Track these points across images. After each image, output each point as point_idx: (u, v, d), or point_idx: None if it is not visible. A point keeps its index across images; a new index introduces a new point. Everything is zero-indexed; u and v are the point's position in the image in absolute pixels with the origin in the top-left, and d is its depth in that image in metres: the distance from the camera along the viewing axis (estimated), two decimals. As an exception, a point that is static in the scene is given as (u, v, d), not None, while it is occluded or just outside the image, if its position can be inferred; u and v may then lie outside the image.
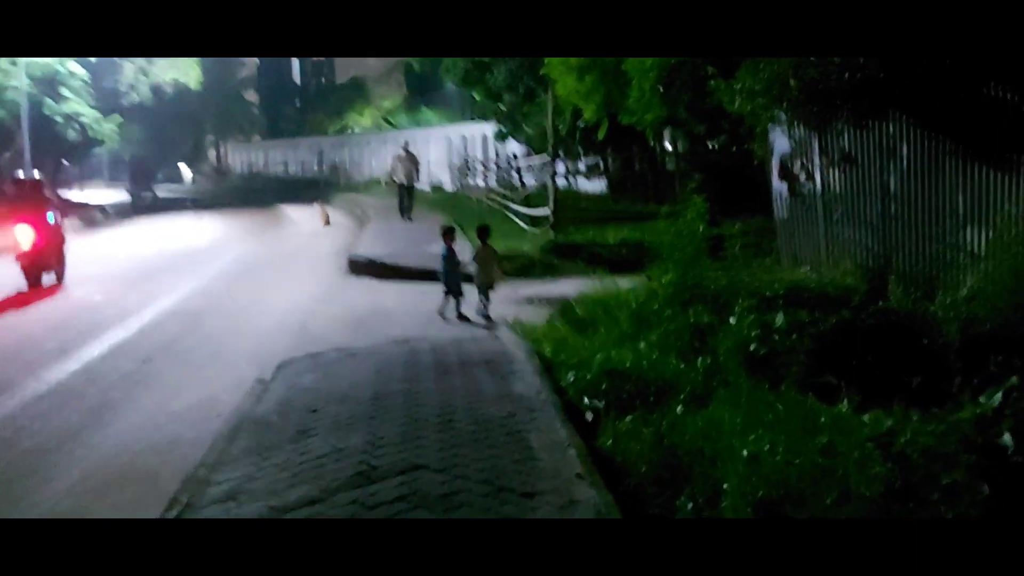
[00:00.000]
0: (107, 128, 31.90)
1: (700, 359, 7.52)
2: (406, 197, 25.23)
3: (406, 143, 26.61)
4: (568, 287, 13.73)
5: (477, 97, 33.36)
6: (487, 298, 11.65)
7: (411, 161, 25.57)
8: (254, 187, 52.90)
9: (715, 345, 7.78)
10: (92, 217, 32.16)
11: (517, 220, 20.01)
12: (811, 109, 9.83)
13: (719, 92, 11.31)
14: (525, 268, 15.30)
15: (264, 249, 22.09)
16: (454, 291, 11.82)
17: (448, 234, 12.35)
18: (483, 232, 12.34)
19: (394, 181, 25.81)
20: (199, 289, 15.33)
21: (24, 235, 15.09)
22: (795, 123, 10.79)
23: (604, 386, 6.94)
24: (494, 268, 11.96)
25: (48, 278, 15.83)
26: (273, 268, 18.13)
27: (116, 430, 7.58)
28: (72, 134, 30.57)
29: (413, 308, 12.55)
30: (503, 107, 28.55)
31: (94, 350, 10.67)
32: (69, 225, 28.34)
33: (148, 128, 64.17)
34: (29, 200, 15.92)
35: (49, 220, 15.88)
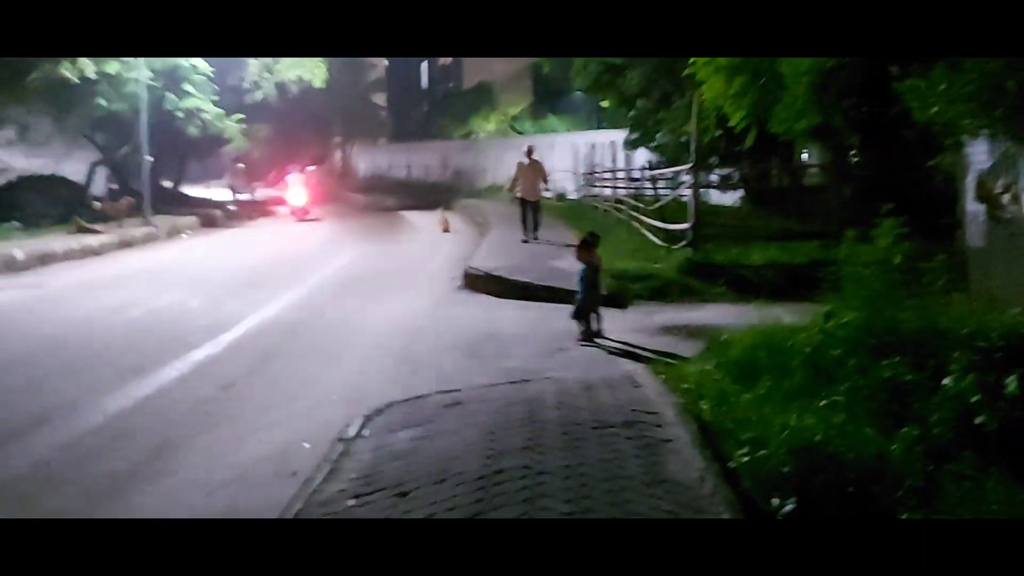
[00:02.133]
0: (229, 125, 31.08)
1: (905, 429, 5.74)
2: (531, 214, 20.51)
3: (530, 148, 21.34)
4: (710, 315, 12.02)
5: (606, 104, 31.78)
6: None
7: (536, 171, 20.84)
8: (376, 190, 52.17)
9: (921, 411, 6.02)
10: (211, 216, 31.49)
11: (648, 235, 18.26)
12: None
13: (909, 96, 9.45)
14: (659, 290, 13.59)
15: (377, 256, 20.81)
16: (592, 311, 10.51)
17: (588, 245, 10.81)
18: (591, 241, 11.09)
19: (516, 195, 21.09)
20: (301, 299, 14.02)
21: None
22: (1004, 134, 8.85)
23: (788, 468, 5.19)
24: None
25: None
26: (383, 278, 16.76)
27: (158, 490, 6.06)
28: (193, 130, 29.84)
29: (533, 333, 10.97)
30: (635, 113, 26.86)
31: (173, 370, 9.36)
32: (184, 224, 27.88)
33: (275, 128, 64.46)
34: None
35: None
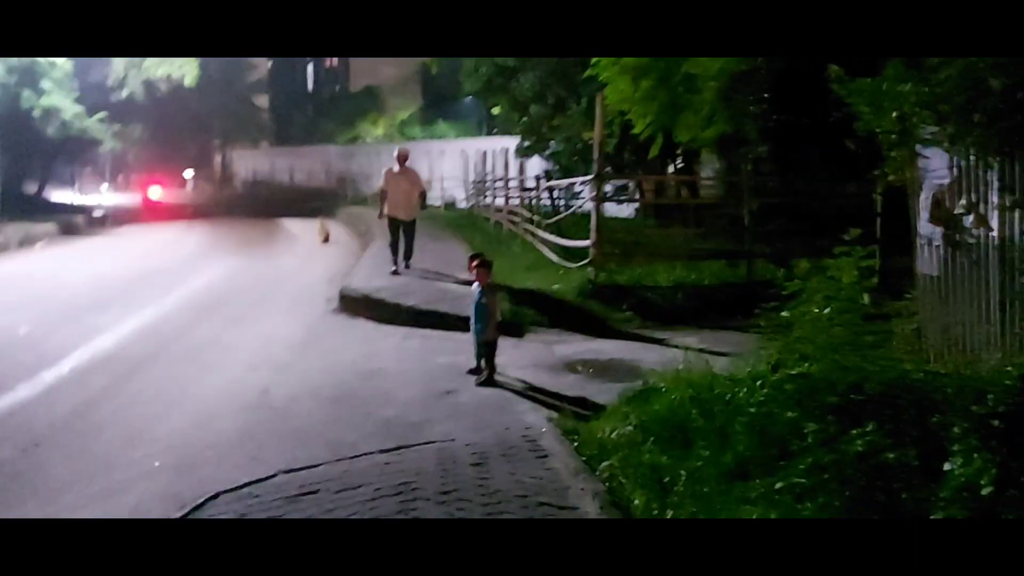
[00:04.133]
0: (91, 125, 28.72)
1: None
2: (402, 237, 15.60)
3: (402, 152, 16.18)
4: (618, 345, 10.62)
5: (497, 110, 30.45)
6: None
7: (410, 181, 15.78)
8: (256, 196, 49.92)
9: (916, 503, 4.68)
10: (72, 224, 29.08)
11: (545, 250, 16.81)
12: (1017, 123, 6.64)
13: (856, 99, 8.13)
14: (559, 316, 12.13)
15: (247, 271, 18.82)
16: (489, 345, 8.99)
17: (482, 265, 9.26)
18: (485, 263, 9.39)
19: (384, 213, 15.86)
20: (150, 325, 12.16)
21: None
22: (979, 143, 7.52)
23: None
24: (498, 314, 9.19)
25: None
26: (250, 297, 14.92)
27: None
28: (51, 130, 27.40)
29: (417, 369, 9.42)
30: (528, 119, 25.52)
31: (-29, 420, 7.56)
32: (40, 232, 25.54)
33: (150, 129, 61.54)
34: None
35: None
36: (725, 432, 5.91)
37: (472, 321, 9.06)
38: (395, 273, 15.06)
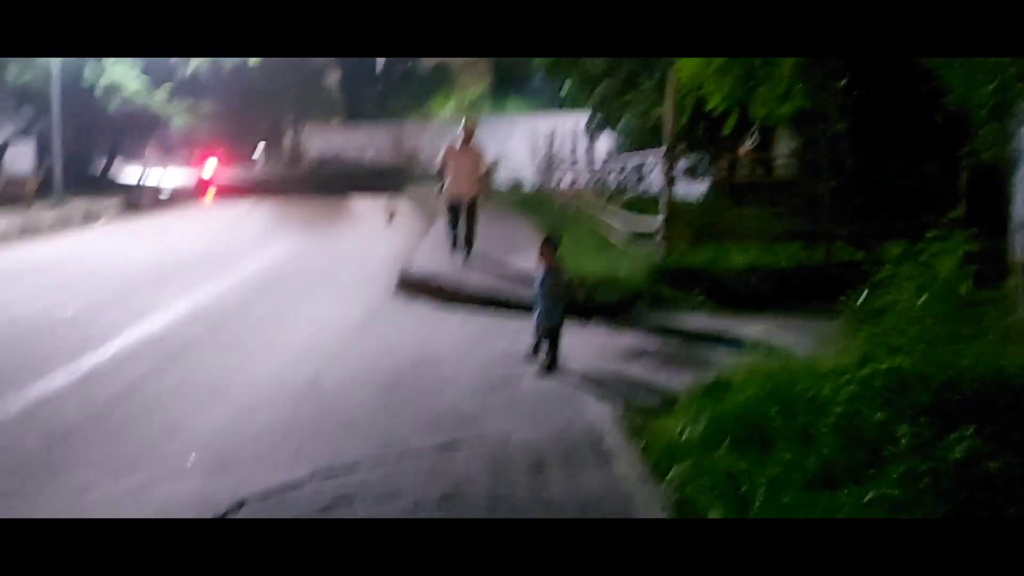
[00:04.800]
0: (155, 101, 28.61)
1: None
2: (463, 221, 14.18)
3: (469, 126, 14.58)
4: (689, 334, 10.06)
5: (566, 87, 29.80)
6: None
7: (472, 159, 14.27)
8: (325, 173, 49.76)
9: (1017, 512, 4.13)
10: (136, 200, 29.07)
11: (612, 232, 16.22)
12: None
13: (947, 69, 7.48)
14: (627, 301, 11.58)
15: (307, 252, 18.50)
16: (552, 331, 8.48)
17: (546, 246, 8.77)
18: (548, 243, 8.90)
19: (443, 192, 14.48)
20: (202, 307, 11.81)
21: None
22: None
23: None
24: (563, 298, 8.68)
25: None
26: (309, 278, 14.58)
27: None
28: (114, 106, 27.33)
29: (475, 357, 8.97)
30: (599, 95, 24.84)
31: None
32: (103, 208, 25.54)
33: (219, 106, 61.76)
34: None
35: None
36: (808, 433, 5.35)
37: (536, 305, 8.59)
38: (453, 250, 14.25)
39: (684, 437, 5.72)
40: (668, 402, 7.03)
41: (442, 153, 14.48)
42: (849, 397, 5.40)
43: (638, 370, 8.42)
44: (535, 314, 8.56)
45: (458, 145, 14.31)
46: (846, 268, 13.08)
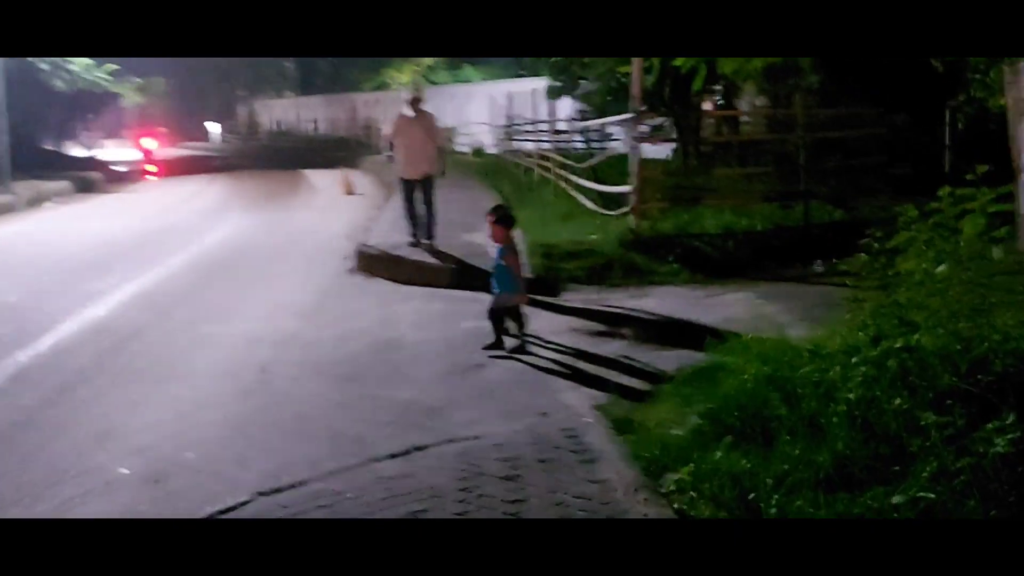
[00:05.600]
0: (100, 78, 27.54)
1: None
2: (420, 199, 12.49)
3: (416, 95, 12.87)
4: (667, 304, 9.44)
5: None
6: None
7: (425, 129, 12.47)
8: (280, 147, 48.73)
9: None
10: (89, 180, 27.98)
11: (580, 197, 15.52)
12: None
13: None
14: (598, 270, 10.94)
15: (263, 227, 17.63)
16: (511, 309, 7.88)
17: (501, 221, 8.11)
18: (506, 218, 8.28)
19: (391, 161, 13.01)
20: (151, 289, 11.05)
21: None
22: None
23: None
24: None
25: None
26: (263, 256, 13.78)
27: None
28: (61, 83, 26.26)
29: (440, 338, 8.32)
30: (557, 58, 24.09)
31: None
32: (52, 190, 24.53)
33: (173, 82, 60.59)
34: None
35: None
36: (817, 424, 4.72)
37: (493, 286, 7.93)
38: (415, 245, 12.25)
39: (677, 432, 5.06)
40: (654, 384, 6.41)
41: (391, 126, 12.82)
42: (862, 381, 4.76)
43: (615, 347, 7.78)
44: (493, 295, 7.91)
45: (410, 113, 12.43)
46: (826, 229, 12.55)
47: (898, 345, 4.81)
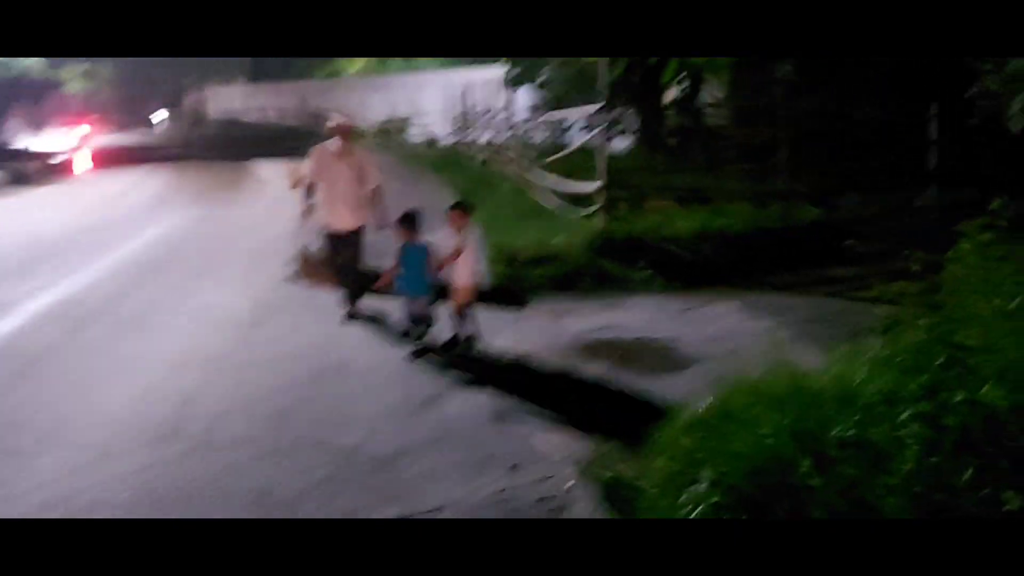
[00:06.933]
0: (33, 64, 26.15)
1: None
2: (350, 260, 9.24)
3: (341, 123, 9.38)
4: (642, 316, 8.51)
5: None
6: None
7: (353, 168, 9.15)
8: (228, 136, 47.25)
9: None
10: (23, 172, 26.54)
11: (542, 196, 14.50)
12: None
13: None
14: (566, 278, 9.96)
15: (201, 224, 16.41)
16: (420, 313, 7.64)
17: (407, 221, 7.80)
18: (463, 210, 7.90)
19: (310, 211, 9.39)
20: (70, 300, 9.89)
21: None
22: None
23: None
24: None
25: None
26: (197, 259, 12.57)
27: None
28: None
29: (392, 364, 7.29)
30: (517, 46, 23.09)
31: None
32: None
33: (121, 68, 58.75)
34: None
35: None
36: (863, 502, 3.76)
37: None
38: (351, 318, 8.97)
39: (685, 507, 4.07)
40: (643, 423, 5.42)
41: (309, 162, 9.28)
42: (918, 445, 3.80)
43: (592, 371, 6.81)
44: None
45: (333, 148, 9.18)
46: (808, 230, 11.66)
47: (959, 399, 3.86)
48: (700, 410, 5.01)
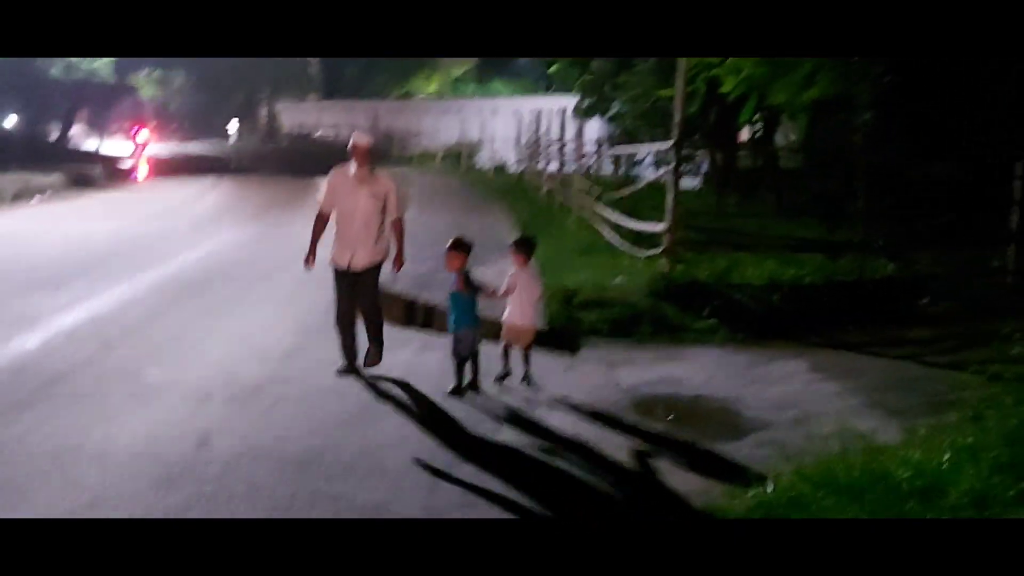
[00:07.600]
0: (101, 67, 26.35)
1: None
2: (360, 307, 7.88)
3: (359, 142, 7.81)
4: (703, 373, 7.93)
5: (555, 67, 27.66)
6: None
7: (371, 194, 7.77)
8: (298, 151, 47.35)
9: None
10: (85, 175, 26.63)
11: (605, 230, 13.99)
12: None
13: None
14: (624, 323, 9.41)
15: (254, 243, 16.10)
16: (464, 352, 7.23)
17: (457, 249, 7.37)
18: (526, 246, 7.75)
19: (313, 254, 8.16)
20: (102, 317, 9.58)
21: None
22: None
23: None
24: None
25: None
26: (244, 280, 12.16)
27: None
28: (56, 72, 25.09)
29: (435, 411, 6.78)
30: (589, 76, 22.67)
31: None
32: (42, 184, 23.19)
33: (194, 76, 59.31)
34: None
35: None
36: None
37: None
38: (346, 372, 7.78)
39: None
40: (698, 502, 4.87)
41: (325, 187, 8.18)
42: None
43: (647, 434, 6.27)
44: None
45: (351, 170, 7.87)
46: (881, 286, 11.01)
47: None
48: (767, 492, 4.45)
